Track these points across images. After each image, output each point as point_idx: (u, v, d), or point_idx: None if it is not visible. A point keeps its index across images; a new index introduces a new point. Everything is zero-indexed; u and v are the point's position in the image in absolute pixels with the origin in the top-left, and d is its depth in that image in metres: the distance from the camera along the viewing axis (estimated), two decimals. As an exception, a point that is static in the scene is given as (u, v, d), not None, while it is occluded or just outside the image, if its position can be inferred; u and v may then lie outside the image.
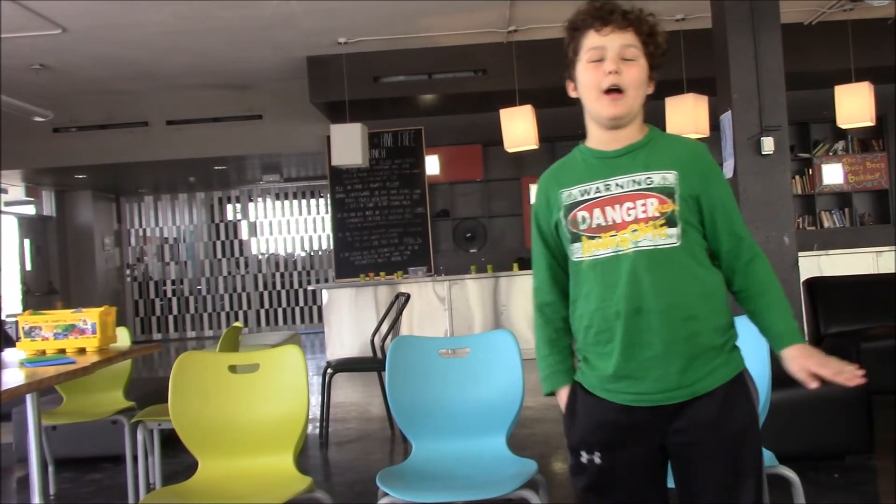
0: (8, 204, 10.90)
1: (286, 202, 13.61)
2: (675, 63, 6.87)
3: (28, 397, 2.93)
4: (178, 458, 4.38)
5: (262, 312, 13.48)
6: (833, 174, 10.57)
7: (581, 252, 1.70)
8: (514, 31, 7.10)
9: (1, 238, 10.41)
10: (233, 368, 2.61)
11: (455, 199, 10.76)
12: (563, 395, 1.81)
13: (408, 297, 5.61)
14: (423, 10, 6.53)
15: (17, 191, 11.24)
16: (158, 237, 13.60)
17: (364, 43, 7.26)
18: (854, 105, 6.44)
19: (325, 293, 8.63)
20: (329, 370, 5.22)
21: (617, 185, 1.68)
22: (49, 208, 12.11)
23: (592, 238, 1.68)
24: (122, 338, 3.79)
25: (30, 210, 11.61)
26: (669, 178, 1.66)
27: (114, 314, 3.46)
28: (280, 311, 13.50)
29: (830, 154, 10.67)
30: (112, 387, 4.06)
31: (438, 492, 2.31)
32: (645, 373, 1.65)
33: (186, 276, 13.53)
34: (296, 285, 13.53)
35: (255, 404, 2.56)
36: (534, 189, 11.16)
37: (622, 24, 1.67)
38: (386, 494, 2.25)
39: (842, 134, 10.49)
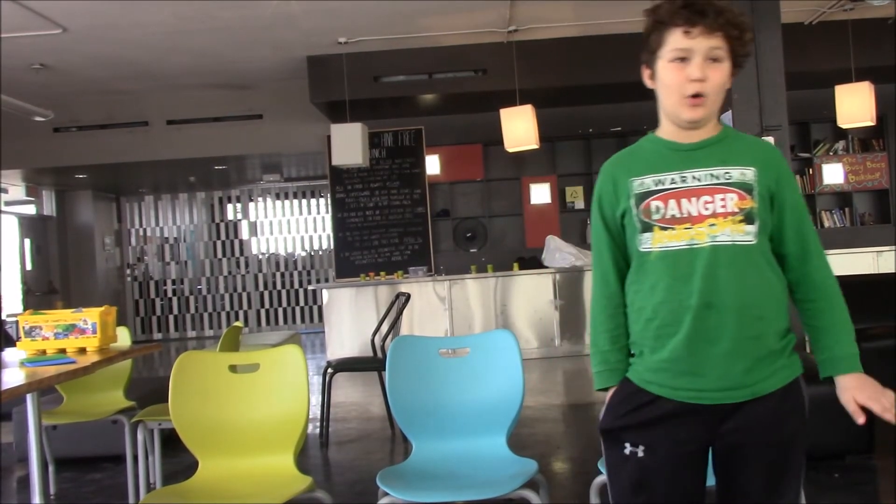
0: (8, 204, 10.90)
1: (286, 202, 13.61)
2: (676, 63, 6.87)
3: (28, 397, 2.93)
4: (178, 458, 4.38)
5: (263, 312, 13.49)
6: (833, 174, 10.56)
7: (650, 242, 1.66)
8: (514, 31, 7.10)
9: (1, 238, 10.41)
10: (233, 368, 2.61)
11: (455, 199, 10.76)
12: (612, 390, 1.78)
13: (408, 296, 5.61)
14: (423, 10, 6.53)
15: (17, 190, 11.24)
16: (159, 237, 13.60)
17: (364, 43, 7.26)
18: (854, 105, 6.44)
19: (325, 293, 8.63)
20: (329, 370, 5.22)
21: (693, 177, 1.65)
22: (49, 208, 12.11)
23: (665, 229, 1.64)
24: (123, 337, 3.79)
25: (30, 210, 11.62)
26: (748, 174, 1.64)
27: (114, 314, 3.46)
28: (280, 310, 13.50)
29: (831, 154, 10.67)
30: (112, 386, 4.06)
31: (439, 491, 2.31)
32: (708, 370, 1.62)
33: (187, 275, 13.53)
34: (296, 285, 13.53)
35: (255, 404, 2.56)
36: (534, 189, 11.16)
37: (712, 27, 1.60)
38: (386, 494, 2.25)
39: (842, 134, 10.48)
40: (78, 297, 11.72)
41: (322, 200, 13.42)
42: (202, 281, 13.53)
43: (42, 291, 11.48)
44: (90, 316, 3.28)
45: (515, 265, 8.81)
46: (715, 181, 1.64)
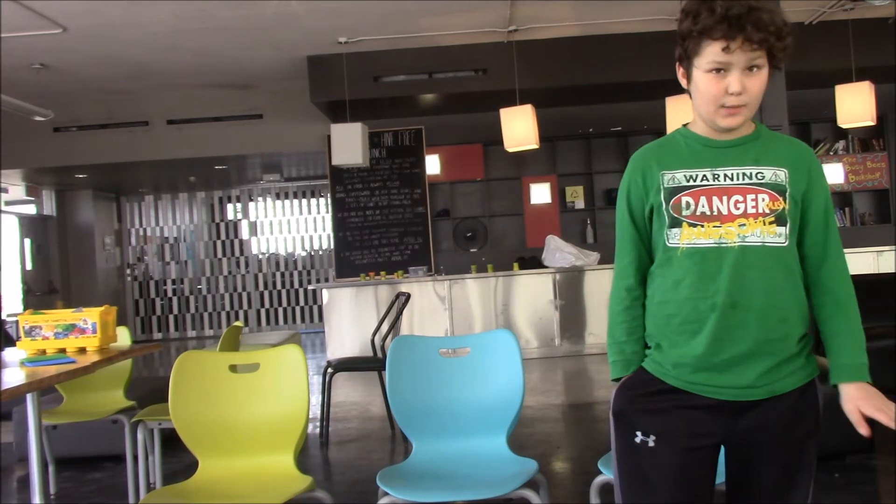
0: (8, 203, 10.90)
1: (286, 202, 13.61)
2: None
3: (28, 397, 2.93)
4: (178, 458, 4.38)
5: (263, 312, 13.49)
6: (833, 174, 10.57)
7: (678, 238, 1.65)
8: (514, 31, 7.09)
9: (1, 237, 10.41)
10: (233, 368, 2.61)
11: (455, 199, 10.76)
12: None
13: (408, 296, 5.61)
14: (423, 10, 6.53)
15: (17, 190, 11.24)
16: (159, 236, 13.61)
17: (364, 42, 7.26)
18: (854, 104, 6.44)
19: (325, 293, 8.63)
20: (329, 370, 5.22)
21: (726, 175, 1.64)
22: (49, 208, 12.11)
23: (694, 226, 1.63)
24: (123, 337, 3.79)
25: (30, 209, 11.61)
26: (781, 175, 1.63)
27: (114, 314, 3.47)
28: (280, 310, 13.50)
29: (831, 154, 10.67)
30: (112, 386, 4.06)
31: (439, 491, 2.31)
32: (728, 368, 1.62)
33: (187, 275, 13.53)
34: (296, 285, 13.53)
35: (255, 404, 2.56)
36: (534, 189, 11.16)
37: (752, 41, 1.55)
38: (386, 494, 2.25)
39: (842, 133, 10.49)
40: (78, 297, 11.72)
41: (322, 200, 13.42)
42: (202, 281, 13.53)
43: (42, 291, 11.48)
44: (90, 316, 3.28)
45: (515, 265, 8.81)
46: (747, 181, 1.63)
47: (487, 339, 2.71)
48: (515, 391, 2.58)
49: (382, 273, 9.01)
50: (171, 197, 13.57)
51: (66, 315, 3.30)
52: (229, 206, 13.65)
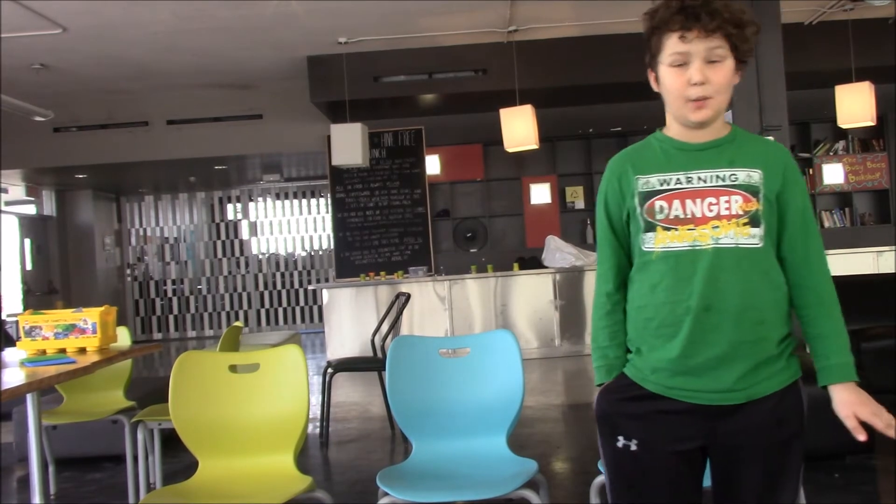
0: (8, 203, 10.90)
1: (286, 202, 13.61)
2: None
3: (28, 397, 2.93)
4: (178, 458, 4.38)
5: (263, 312, 13.49)
6: (833, 174, 10.57)
7: (653, 242, 1.65)
8: (514, 31, 7.10)
9: (1, 238, 10.41)
10: (233, 368, 2.61)
11: (455, 199, 10.76)
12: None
13: (408, 296, 5.61)
14: (423, 10, 6.53)
15: (17, 190, 11.24)
16: (159, 237, 13.61)
17: (364, 42, 7.26)
18: (854, 105, 6.44)
19: (325, 293, 8.63)
20: (329, 370, 5.22)
21: (699, 178, 1.64)
22: (49, 208, 12.11)
23: (668, 229, 1.64)
24: (123, 337, 3.79)
25: (30, 210, 11.61)
26: (755, 176, 1.63)
27: (114, 314, 3.47)
28: (280, 310, 13.50)
29: (831, 154, 10.67)
30: (112, 386, 4.06)
31: (439, 491, 2.31)
32: (704, 371, 1.62)
33: (187, 275, 13.53)
34: (296, 285, 13.53)
35: (255, 404, 2.56)
36: (534, 189, 11.16)
37: (709, 29, 1.57)
38: (386, 494, 2.25)
39: (842, 134, 10.48)
40: (78, 297, 11.72)
41: (322, 200, 13.42)
42: (202, 281, 13.53)
43: (42, 291, 11.48)
44: (90, 316, 3.28)
45: (515, 265, 8.81)
46: (721, 183, 1.63)
47: (487, 340, 2.71)
48: (515, 391, 2.58)
49: (382, 273, 9.01)
50: (171, 197, 13.57)
51: (66, 315, 3.30)
52: (229, 207, 13.65)
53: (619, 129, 10.56)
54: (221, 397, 2.56)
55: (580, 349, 8.31)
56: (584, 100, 8.50)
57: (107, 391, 4.05)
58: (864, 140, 10.67)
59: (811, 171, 10.63)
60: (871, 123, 6.62)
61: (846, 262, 8.26)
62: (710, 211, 1.61)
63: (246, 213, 13.63)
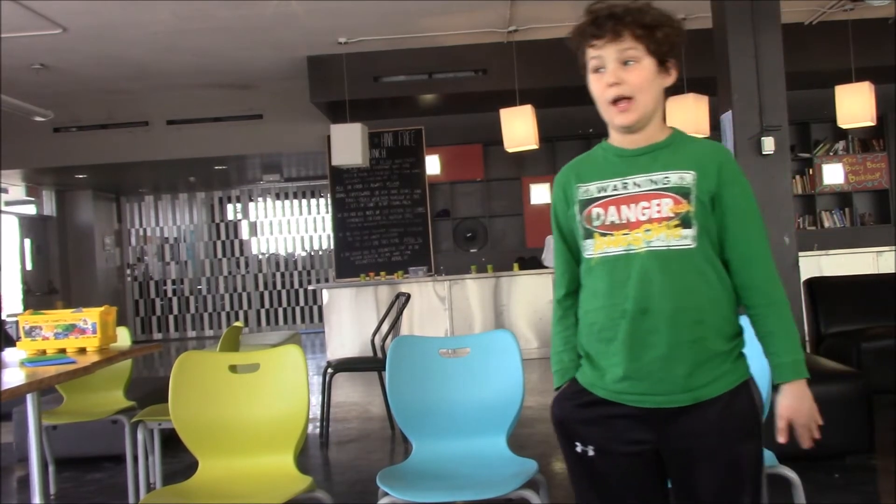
0: (8, 204, 10.90)
1: (286, 202, 13.61)
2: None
3: (28, 397, 2.93)
4: (178, 458, 4.38)
5: (263, 312, 13.49)
6: (833, 174, 10.57)
7: (592, 249, 1.69)
8: (514, 31, 7.10)
9: (1, 238, 10.41)
10: (233, 368, 2.61)
11: (455, 199, 10.76)
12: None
13: (408, 296, 5.61)
14: (423, 10, 6.53)
15: (17, 190, 11.24)
16: (159, 237, 13.61)
17: (364, 42, 7.26)
18: (854, 105, 6.44)
19: (325, 293, 8.63)
20: (329, 370, 5.22)
21: (634, 183, 1.66)
22: (49, 208, 12.11)
23: (605, 235, 1.66)
24: (123, 337, 3.79)
25: (30, 210, 11.61)
26: (687, 178, 1.63)
27: (114, 314, 3.46)
28: (280, 310, 13.50)
29: (831, 154, 10.67)
30: (112, 386, 4.06)
31: (439, 491, 2.31)
32: (648, 374, 1.62)
33: (187, 275, 13.53)
34: (296, 285, 13.53)
35: (255, 404, 2.56)
36: (534, 189, 11.15)
37: (615, 33, 1.63)
38: (386, 494, 2.25)
39: (842, 134, 10.48)
40: (78, 297, 11.72)
41: (322, 200, 13.42)
42: (202, 281, 13.53)
43: (42, 291, 11.48)
44: (90, 316, 3.28)
45: (515, 265, 8.81)
46: (653, 186, 1.64)
47: (487, 340, 2.71)
48: (515, 391, 2.58)
49: (382, 273, 9.01)
50: (171, 197, 13.57)
51: (66, 315, 3.30)
52: (229, 207, 13.65)
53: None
54: (221, 397, 2.56)
55: (580, 349, 8.30)
56: (584, 100, 8.37)
57: (107, 391, 4.05)
58: (864, 140, 10.66)
59: (811, 170, 10.63)
60: (871, 123, 6.62)
61: (846, 262, 8.27)
62: (643, 215, 1.64)
63: (246, 213, 13.63)
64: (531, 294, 8.43)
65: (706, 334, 1.62)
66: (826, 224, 10.66)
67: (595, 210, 1.68)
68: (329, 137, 7.76)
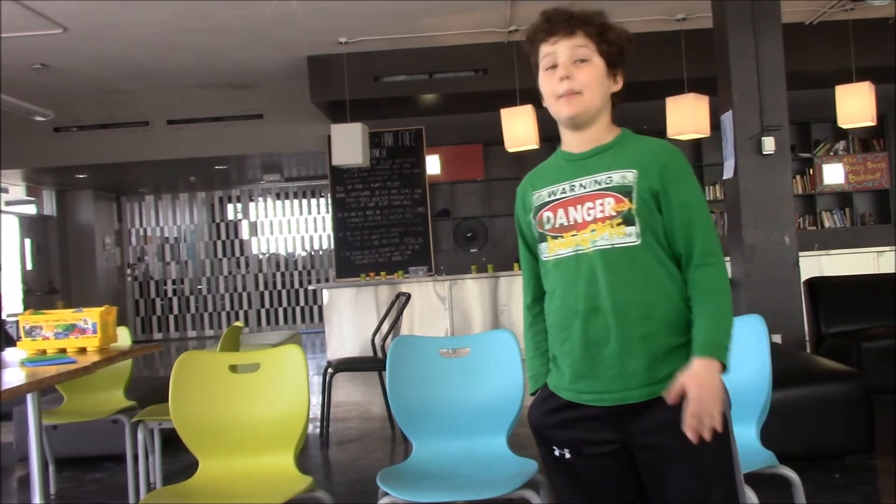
0: (9, 203, 10.90)
1: (287, 202, 13.61)
2: (676, 63, 6.87)
3: (29, 397, 2.93)
4: (178, 458, 4.38)
5: (263, 312, 13.49)
6: (834, 174, 10.57)
7: (547, 252, 1.73)
8: (514, 31, 7.10)
9: (1, 237, 10.41)
10: (233, 368, 2.61)
11: (456, 199, 10.77)
12: None
13: (408, 296, 5.61)
14: (423, 10, 6.53)
15: (17, 190, 11.24)
16: (159, 237, 13.61)
17: (365, 42, 7.26)
18: (855, 105, 6.43)
19: (325, 293, 8.63)
20: (330, 370, 5.22)
21: (580, 185, 1.70)
22: (50, 208, 12.11)
23: (556, 238, 1.71)
24: (123, 337, 3.79)
25: (30, 209, 11.61)
26: (629, 176, 1.66)
27: (114, 314, 3.47)
28: (281, 310, 13.50)
29: (831, 154, 10.67)
30: (113, 386, 4.06)
31: (439, 491, 2.31)
32: (603, 371, 1.65)
33: (187, 275, 13.53)
34: (296, 285, 13.53)
35: (255, 404, 2.56)
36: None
37: (567, 30, 1.69)
38: (386, 494, 2.25)
39: (842, 134, 10.48)
40: (78, 297, 11.72)
41: (322, 200, 13.42)
42: (202, 281, 13.53)
43: (42, 291, 11.48)
44: (90, 316, 3.28)
45: (516, 265, 8.81)
46: (597, 187, 1.68)
47: (487, 340, 2.71)
48: (515, 391, 2.58)
49: (382, 273, 9.01)
50: (171, 197, 13.57)
51: (66, 315, 3.30)
52: (229, 207, 13.65)
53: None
54: (221, 397, 2.56)
55: (580, 349, 8.30)
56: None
57: (107, 391, 4.05)
58: (865, 140, 10.66)
59: (811, 170, 10.63)
60: (872, 123, 6.61)
61: (847, 262, 8.27)
62: (589, 215, 1.67)
63: (246, 213, 13.63)
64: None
65: (656, 329, 1.64)
66: (826, 224, 10.66)
67: (546, 214, 1.73)
68: (329, 137, 7.76)
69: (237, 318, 13.31)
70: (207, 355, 2.66)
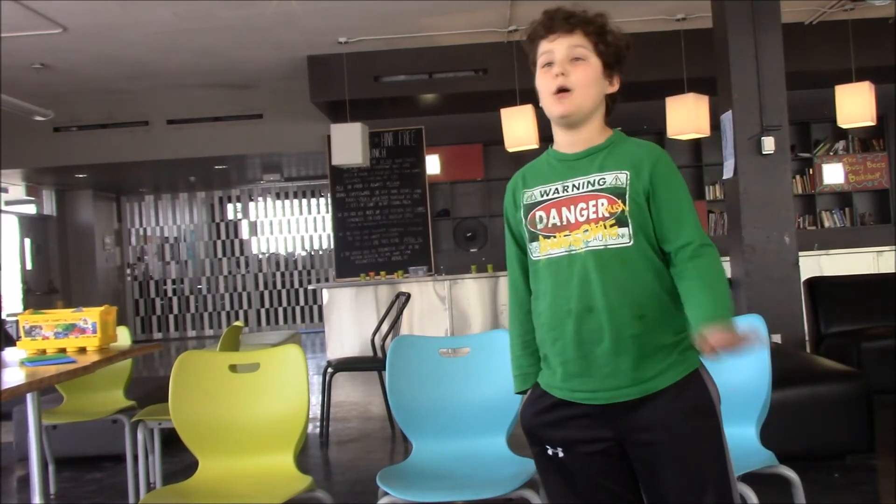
0: (8, 203, 10.90)
1: (287, 201, 13.61)
2: (676, 63, 6.87)
3: (28, 396, 2.93)
4: (178, 458, 4.38)
5: (263, 312, 13.49)
6: (833, 174, 10.57)
7: (538, 251, 1.73)
8: (514, 31, 7.10)
9: (1, 237, 10.41)
10: (233, 368, 2.61)
11: (455, 199, 10.77)
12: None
13: (408, 296, 5.61)
14: (423, 10, 6.53)
15: (17, 190, 11.24)
16: (159, 236, 13.61)
17: (365, 42, 7.26)
18: (855, 105, 6.43)
19: (325, 292, 8.63)
20: (329, 369, 5.22)
21: (573, 186, 1.71)
22: (49, 207, 12.11)
23: (548, 237, 1.72)
24: (123, 337, 3.79)
25: (30, 209, 11.61)
26: (622, 178, 1.68)
27: (114, 313, 3.47)
28: (280, 310, 13.50)
29: (831, 154, 10.67)
30: (112, 386, 4.06)
31: (439, 491, 2.31)
32: (595, 370, 1.66)
33: (187, 275, 13.53)
34: (296, 285, 13.53)
35: (255, 404, 2.56)
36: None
37: (567, 28, 1.71)
38: (386, 494, 2.25)
39: (842, 134, 10.48)
40: (78, 297, 11.72)
41: (322, 200, 13.42)
42: (202, 280, 13.53)
43: (42, 291, 11.48)
44: (90, 315, 3.28)
45: (515, 265, 8.80)
46: (590, 188, 1.69)
47: (487, 339, 2.71)
48: (515, 391, 2.58)
49: (382, 273, 9.01)
50: (171, 197, 13.57)
51: (66, 315, 3.30)
52: (229, 206, 13.65)
53: (619, 128, 10.55)
54: (221, 397, 2.56)
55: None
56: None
57: (107, 391, 4.05)
58: (865, 140, 10.67)
59: (811, 170, 10.64)
60: (871, 123, 6.61)
61: (846, 262, 8.27)
62: (582, 216, 1.68)
63: (246, 213, 13.63)
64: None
65: (649, 328, 1.65)
66: (826, 224, 10.66)
67: (538, 213, 1.73)
68: (329, 137, 7.76)
69: (237, 318, 13.30)
70: (207, 355, 2.65)
